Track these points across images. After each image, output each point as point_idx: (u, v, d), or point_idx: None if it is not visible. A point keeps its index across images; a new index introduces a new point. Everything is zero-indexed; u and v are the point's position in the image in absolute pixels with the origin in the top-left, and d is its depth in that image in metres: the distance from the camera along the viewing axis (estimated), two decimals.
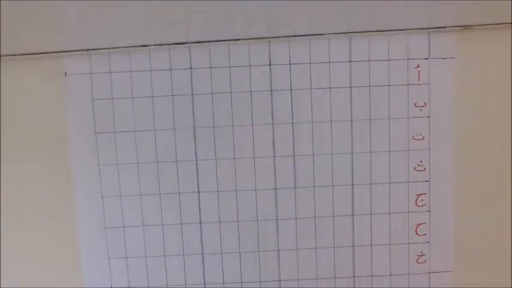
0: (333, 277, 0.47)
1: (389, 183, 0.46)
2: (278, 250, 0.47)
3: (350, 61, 0.45)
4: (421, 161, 0.46)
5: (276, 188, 0.46)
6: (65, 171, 0.46)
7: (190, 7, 0.43)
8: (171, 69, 0.45)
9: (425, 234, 0.47)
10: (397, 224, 0.47)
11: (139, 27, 0.43)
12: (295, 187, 0.46)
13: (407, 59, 0.45)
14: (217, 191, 0.46)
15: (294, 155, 0.46)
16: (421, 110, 0.45)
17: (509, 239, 0.47)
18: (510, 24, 0.44)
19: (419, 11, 0.43)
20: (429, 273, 0.47)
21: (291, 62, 0.45)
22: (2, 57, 0.44)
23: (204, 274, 0.47)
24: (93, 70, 0.45)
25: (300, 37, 0.44)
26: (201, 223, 0.47)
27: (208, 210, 0.46)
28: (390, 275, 0.47)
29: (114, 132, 0.46)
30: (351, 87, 0.45)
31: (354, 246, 0.47)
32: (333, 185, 0.46)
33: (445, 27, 0.44)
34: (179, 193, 0.46)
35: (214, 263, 0.47)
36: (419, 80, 0.45)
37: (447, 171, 0.46)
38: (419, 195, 0.46)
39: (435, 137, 0.46)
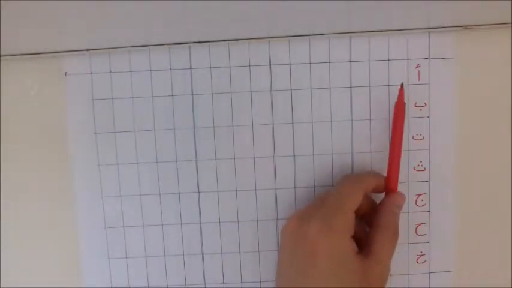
0: None
1: None
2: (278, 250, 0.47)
3: (350, 61, 0.45)
4: (421, 161, 0.46)
5: (276, 188, 0.46)
6: (65, 171, 0.46)
7: (190, 7, 0.43)
8: (171, 69, 0.45)
9: (425, 234, 0.47)
10: None
11: (140, 27, 0.43)
12: (295, 187, 0.46)
13: (407, 59, 0.45)
14: (217, 191, 0.46)
15: (294, 155, 0.46)
16: (421, 110, 0.45)
17: (509, 239, 0.47)
18: (510, 24, 0.44)
19: (419, 11, 0.43)
20: (429, 273, 0.47)
21: (291, 62, 0.45)
22: (2, 57, 0.44)
23: (204, 274, 0.47)
24: (93, 70, 0.45)
25: (300, 37, 0.44)
26: (201, 223, 0.47)
27: (208, 210, 0.46)
28: (390, 275, 0.47)
29: (114, 132, 0.46)
30: (351, 87, 0.45)
31: None
32: (333, 185, 0.46)
33: (445, 27, 0.44)
34: (179, 193, 0.46)
35: (214, 263, 0.47)
36: (419, 80, 0.45)
37: (447, 171, 0.46)
38: (419, 195, 0.46)
39: (435, 137, 0.46)
